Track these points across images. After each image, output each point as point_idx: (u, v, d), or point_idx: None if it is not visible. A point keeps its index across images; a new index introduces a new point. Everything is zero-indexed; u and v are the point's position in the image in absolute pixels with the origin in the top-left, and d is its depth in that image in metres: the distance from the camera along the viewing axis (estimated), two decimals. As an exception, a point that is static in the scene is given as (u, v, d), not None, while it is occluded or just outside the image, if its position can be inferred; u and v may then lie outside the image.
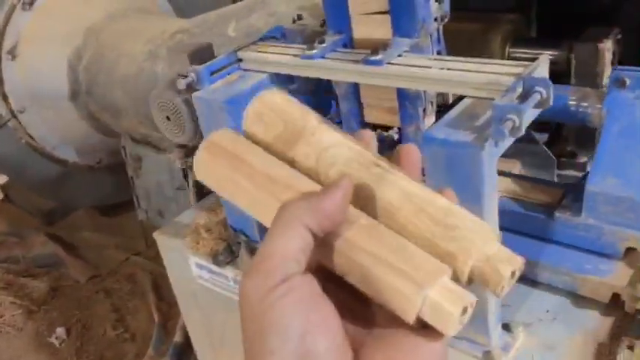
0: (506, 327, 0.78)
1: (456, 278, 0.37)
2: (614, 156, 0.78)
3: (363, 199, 0.41)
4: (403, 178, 0.41)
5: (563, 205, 0.83)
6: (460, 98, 0.72)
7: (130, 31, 1.74)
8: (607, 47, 0.90)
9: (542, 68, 0.68)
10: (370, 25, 0.85)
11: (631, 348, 0.71)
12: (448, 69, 0.72)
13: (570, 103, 0.85)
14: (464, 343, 0.77)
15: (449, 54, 0.85)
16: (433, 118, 0.90)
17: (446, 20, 0.83)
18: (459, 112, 0.68)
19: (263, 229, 0.41)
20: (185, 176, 1.55)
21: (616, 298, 0.77)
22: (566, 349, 0.76)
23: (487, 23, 1.04)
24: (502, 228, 0.83)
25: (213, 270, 1.08)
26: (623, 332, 0.75)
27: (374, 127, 0.98)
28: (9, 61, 1.83)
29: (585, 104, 0.84)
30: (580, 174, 0.91)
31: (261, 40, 0.95)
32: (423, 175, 0.47)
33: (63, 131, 1.95)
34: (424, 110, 0.88)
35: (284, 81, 0.92)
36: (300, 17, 1.11)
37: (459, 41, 0.89)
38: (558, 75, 0.89)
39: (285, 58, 0.86)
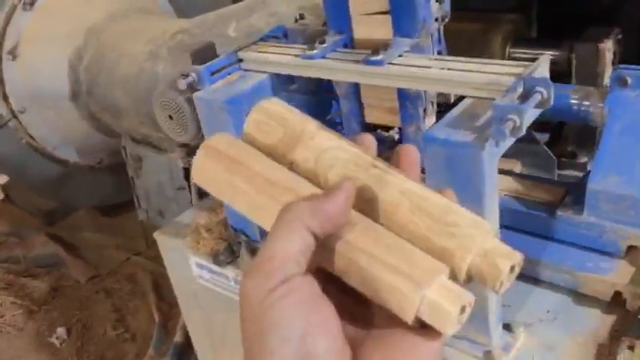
0: (506, 327, 0.78)
1: (454, 276, 0.38)
2: (615, 154, 0.78)
3: (362, 201, 0.41)
4: (401, 178, 0.41)
5: (565, 204, 0.83)
6: (462, 97, 0.72)
7: (131, 31, 1.74)
8: (608, 47, 0.90)
9: (542, 68, 0.68)
10: (371, 26, 0.85)
11: (631, 348, 0.71)
12: (449, 69, 0.72)
13: (572, 102, 0.85)
14: (464, 343, 0.77)
15: (449, 54, 0.85)
16: (434, 119, 0.90)
17: (446, 20, 0.83)
18: (460, 112, 0.68)
19: (263, 230, 0.41)
20: (186, 176, 1.55)
21: (617, 296, 0.77)
22: (567, 349, 0.76)
23: (488, 23, 1.04)
24: (504, 226, 0.84)
25: (214, 270, 1.08)
26: (623, 332, 0.75)
27: (374, 127, 0.98)
28: (10, 62, 1.83)
29: (587, 103, 0.84)
30: (580, 174, 0.91)
31: (261, 40, 0.95)
32: (423, 172, 0.47)
33: (63, 131, 1.95)
34: (425, 110, 0.88)
35: (284, 81, 0.92)
36: (302, 17, 1.11)
37: (459, 41, 0.89)
38: (559, 75, 0.89)
39: (286, 58, 0.87)
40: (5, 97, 1.86)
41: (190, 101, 1.01)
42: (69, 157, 2.03)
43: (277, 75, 0.90)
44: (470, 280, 0.38)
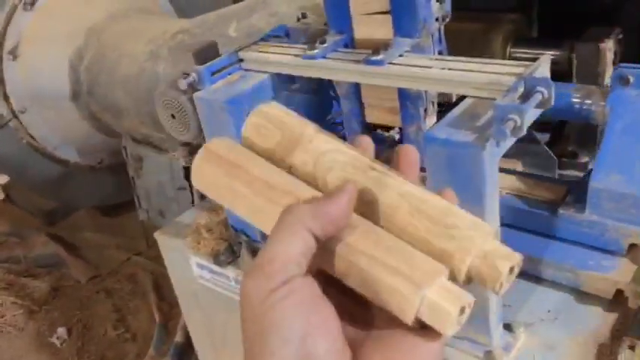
0: (507, 327, 0.78)
1: (453, 277, 0.38)
2: (617, 153, 0.79)
3: (362, 203, 0.41)
4: (400, 180, 0.42)
5: (567, 202, 0.83)
6: (464, 96, 0.72)
7: (132, 31, 1.74)
8: (608, 47, 0.90)
9: (543, 68, 0.68)
10: (371, 25, 0.85)
11: (632, 348, 0.71)
12: (449, 69, 0.72)
13: (574, 100, 0.85)
14: (465, 343, 0.77)
15: (450, 54, 0.85)
16: (434, 119, 0.90)
17: (447, 20, 0.83)
18: (461, 112, 0.68)
19: (264, 231, 0.41)
20: (186, 176, 1.55)
21: (619, 294, 0.77)
22: (568, 349, 0.76)
23: (488, 23, 1.04)
24: (506, 225, 0.84)
25: (215, 270, 1.08)
26: (624, 332, 0.75)
27: (375, 127, 0.98)
28: (10, 62, 1.83)
29: (589, 102, 0.84)
30: (581, 174, 0.91)
31: (262, 40, 0.95)
32: (423, 171, 0.47)
33: (64, 131, 1.95)
34: (425, 110, 0.88)
35: (285, 81, 0.92)
36: (304, 16, 1.11)
37: (460, 41, 0.89)
38: (560, 75, 0.88)
39: (287, 58, 0.87)
40: (6, 97, 1.86)
41: (193, 100, 1.01)
42: (69, 157, 2.03)
43: (278, 75, 0.90)
44: (470, 282, 0.38)
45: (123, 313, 2.09)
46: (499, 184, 0.88)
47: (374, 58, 0.77)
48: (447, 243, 0.38)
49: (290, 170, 0.44)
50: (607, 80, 0.91)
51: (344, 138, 1.00)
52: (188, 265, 1.12)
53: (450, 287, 0.36)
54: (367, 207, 0.41)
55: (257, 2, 1.51)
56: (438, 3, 0.81)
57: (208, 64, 0.89)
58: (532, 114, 0.63)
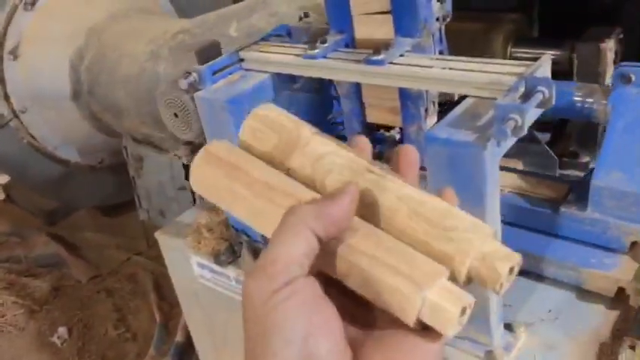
0: (508, 327, 0.78)
1: (453, 278, 0.38)
2: (619, 151, 0.79)
3: (362, 206, 0.41)
4: (398, 182, 0.41)
5: (569, 200, 0.84)
6: (465, 95, 0.72)
7: (132, 31, 1.74)
8: (609, 47, 0.90)
9: (544, 68, 0.68)
10: (372, 25, 0.85)
11: (633, 348, 0.71)
12: (450, 69, 0.72)
13: (575, 99, 0.85)
14: (466, 343, 0.77)
15: (451, 54, 0.85)
16: (435, 118, 0.90)
17: (448, 20, 0.83)
18: (461, 112, 0.68)
19: (265, 230, 0.41)
20: (187, 176, 1.55)
21: (621, 292, 0.77)
22: (568, 348, 0.76)
23: (489, 23, 1.04)
24: (508, 223, 0.84)
25: (215, 270, 1.08)
26: (625, 332, 0.75)
27: (376, 127, 0.98)
28: (11, 61, 1.83)
29: (591, 100, 0.84)
30: (582, 174, 0.91)
31: (263, 39, 0.95)
32: (424, 170, 0.47)
33: (65, 131, 1.96)
34: (426, 110, 0.88)
35: (286, 81, 0.92)
36: (306, 15, 1.12)
37: (460, 41, 0.89)
38: (560, 75, 0.88)
39: (287, 58, 0.86)
40: (6, 97, 1.86)
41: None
42: (70, 156, 2.03)
43: (278, 75, 0.90)
44: (470, 282, 0.39)
45: (123, 313, 2.09)
46: (501, 183, 0.89)
47: (375, 57, 0.77)
48: (446, 245, 0.38)
49: (288, 173, 0.44)
50: (608, 80, 0.91)
51: (344, 138, 1.00)
52: (189, 265, 1.12)
53: (450, 288, 0.36)
54: (366, 210, 0.41)
55: (257, 2, 1.51)
56: (438, 3, 0.81)
57: (209, 63, 0.89)
58: (533, 114, 0.63)
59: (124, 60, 1.63)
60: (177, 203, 1.66)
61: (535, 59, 0.68)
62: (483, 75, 0.69)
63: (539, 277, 0.85)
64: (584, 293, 0.81)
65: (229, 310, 1.12)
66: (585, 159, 0.95)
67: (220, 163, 0.44)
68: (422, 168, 0.48)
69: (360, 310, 0.39)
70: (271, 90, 0.90)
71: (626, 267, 0.78)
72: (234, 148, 0.46)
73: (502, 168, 0.90)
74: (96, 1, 1.88)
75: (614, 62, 0.92)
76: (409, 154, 0.45)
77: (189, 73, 0.89)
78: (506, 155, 0.68)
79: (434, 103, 0.88)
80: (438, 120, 0.79)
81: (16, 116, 1.89)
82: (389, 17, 0.83)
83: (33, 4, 1.83)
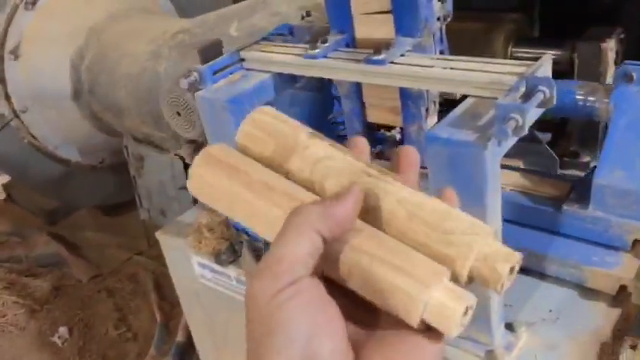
0: (509, 326, 0.78)
1: (454, 279, 0.38)
2: (621, 149, 0.79)
3: (362, 209, 0.41)
4: (396, 184, 0.41)
5: (571, 199, 0.84)
6: (466, 95, 0.72)
7: (132, 31, 1.74)
8: (610, 47, 0.90)
9: (545, 68, 0.68)
10: (372, 25, 0.85)
11: (634, 347, 0.71)
12: (451, 68, 0.72)
13: (578, 97, 0.85)
14: (467, 343, 0.77)
15: (451, 53, 0.85)
16: (435, 118, 0.90)
17: (449, 20, 0.83)
18: (462, 112, 0.68)
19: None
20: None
21: (623, 290, 0.77)
22: (569, 348, 0.76)
23: (490, 23, 1.04)
24: (511, 221, 0.85)
25: (216, 269, 1.08)
26: (626, 331, 0.75)
27: (376, 126, 0.98)
28: (11, 61, 1.83)
29: (593, 98, 0.85)
30: (583, 174, 0.92)
31: (264, 39, 0.95)
32: (424, 168, 0.47)
33: (65, 131, 1.96)
34: (427, 110, 0.88)
35: (287, 80, 0.92)
36: (308, 14, 1.12)
37: (461, 41, 0.89)
38: (561, 74, 0.89)
39: (288, 58, 0.86)
40: (7, 97, 1.86)
41: (199, 97, 1.01)
42: (71, 156, 2.03)
43: (279, 74, 0.90)
44: (471, 282, 0.39)
45: (124, 313, 2.09)
46: (503, 181, 0.89)
47: (375, 57, 0.77)
48: (446, 249, 0.38)
49: (287, 177, 0.44)
50: (609, 80, 0.91)
51: (345, 138, 1.00)
52: (189, 265, 1.12)
53: (453, 288, 0.36)
54: (365, 213, 0.41)
55: (258, 2, 1.51)
56: (439, 2, 0.81)
57: (210, 63, 0.89)
58: (534, 113, 0.63)
59: (125, 60, 1.63)
60: (178, 203, 1.66)
61: (536, 59, 0.68)
62: (484, 75, 0.69)
63: (541, 276, 0.85)
64: (586, 293, 0.81)
65: (230, 310, 1.12)
66: (586, 159, 0.95)
67: (221, 164, 0.44)
68: (422, 167, 0.48)
69: (361, 312, 0.39)
70: (272, 90, 0.90)
71: (628, 265, 0.78)
72: (233, 151, 0.46)
73: (504, 166, 0.90)
74: (96, 0, 1.88)
75: (615, 62, 0.92)
76: (409, 154, 0.45)
77: (190, 73, 0.89)
78: (507, 155, 0.68)
79: (434, 102, 0.88)
80: (439, 120, 0.79)
81: (17, 116, 1.89)
82: (389, 17, 0.83)
83: (34, 3, 1.83)
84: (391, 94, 0.89)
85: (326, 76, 0.84)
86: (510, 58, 1.02)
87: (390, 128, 0.99)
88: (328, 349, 0.35)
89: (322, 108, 1.03)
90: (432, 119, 0.89)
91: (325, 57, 0.83)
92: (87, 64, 1.77)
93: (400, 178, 0.43)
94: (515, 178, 0.91)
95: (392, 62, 0.77)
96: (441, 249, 0.38)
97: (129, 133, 1.75)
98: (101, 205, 2.34)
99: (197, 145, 1.26)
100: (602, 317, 0.79)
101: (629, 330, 0.75)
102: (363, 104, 0.95)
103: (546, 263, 0.83)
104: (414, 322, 0.36)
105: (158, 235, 1.18)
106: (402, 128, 0.94)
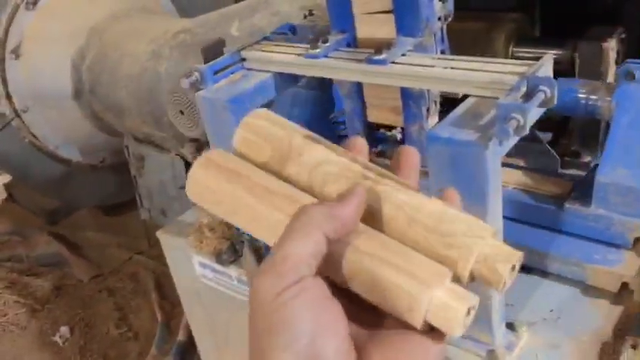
0: (510, 326, 0.78)
1: (456, 279, 0.38)
2: (624, 147, 0.79)
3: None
4: (394, 187, 0.41)
5: (573, 197, 0.84)
6: (467, 95, 0.72)
7: (133, 30, 1.74)
8: (611, 46, 0.90)
9: (546, 67, 0.68)
10: (374, 25, 0.85)
11: (635, 347, 0.71)
12: (452, 68, 0.72)
13: (580, 96, 0.85)
14: (468, 342, 0.77)
15: (452, 53, 0.85)
16: (436, 118, 0.90)
17: (450, 19, 0.83)
18: (463, 111, 0.68)
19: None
20: (188, 175, 1.55)
21: (624, 288, 0.77)
22: (570, 348, 0.76)
23: (491, 22, 1.04)
24: (513, 219, 0.85)
25: (217, 269, 1.08)
26: (627, 331, 0.75)
27: (377, 126, 0.98)
28: (12, 61, 1.84)
29: (595, 97, 0.85)
30: (584, 173, 0.92)
31: (265, 38, 0.95)
32: (422, 165, 0.47)
33: (66, 131, 1.96)
34: (428, 109, 0.88)
35: (288, 80, 0.92)
36: (311, 13, 1.12)
37: (462, 40, 0.89)
38: (562, 74, 0.88)
39: (289, 58, 0.86)
40: (8, 96, 1.86)
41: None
42: (71, 156, 2.03)
43: (280, 74, 0.90)
44: (473, 281, 0.39)
45: (125, 312, 2.09)
46: (505, 179, 0.89)
47: (376, 57, 0.77)
48: (446, 252, 0.38)
49: (287, 181, 0.44)
50: (610, 79, 0.91)
51: (346, 137, 1.00)
52: (190, 264, 1.13)
53: (455, 288, 0.36)
54: (364, 217, 0.41)
55: (259, 2, 1.51)
56: (440, 2, 0.81)
57: (211, 63, 0.89)
58: (535, 113, 0.63)
59: (126, 59, 1.63)
60: (178, 202, 1.67)
61: (537, 59, 0.68)
62: (485, 74, 0.69)
63: (542, 275, 0.85)
64: (587, 292, 0.82)
65: (231, 310, 1.12)
66: (587, 158, 0.95)
67: (220, 168, 0.44)
68: (422, 166, 0.48)
69: (362, 314, 0.39)
70: (273, 89, 0.90)
71: (630, 263, 0.78)
72: (232, 156, 0.46)
73: (506, 165, 0.90)
74: (97, 0, 1.88)
75: (617, 62, 0.92)
76: (409, 155, 0.45)
77: (191, 73, 0.89)
78: (508, 155, 0.68)
79: (436, 102, 0.88)
80: (440, 119, 0.79)
81: (18, 115, 1.89)
82: (391, 17, 0.83)
83: (34, 3, 1.83)
84: (392, 93, 0.89)
85: (327, 75, 0.84)
86: (511, 58, 1.02)
87: (391, 128, 0.99)
88: (332, 348, 0.35)
89: (324, 107, 1.03)
90: (433, 119, 0.89)
91: (326, 57, 0.83)
92: (88, 63, 1.77)
93: (400, 178, 0.43)
94: (518, 176, 0.91)
95: (393, 62, 0.77)
96: (442, 252, 0.38)
97: (129, 133, 1.75)
98: (102, 204, 2.34)
99: (200, 144, 1.26)
100: (603, 317, 0.79)
101: (630, 330, 0.75)
102: (364, 104, 0.95)
103: (548, 261, 0.83)
104: (417, 323, 0.36)
105: (159, 234, 1.18)
106: (403, 128, 0.93)
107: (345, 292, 0.39)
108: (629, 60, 0.82)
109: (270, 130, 0.46)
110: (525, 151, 0.90)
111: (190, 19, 1.65)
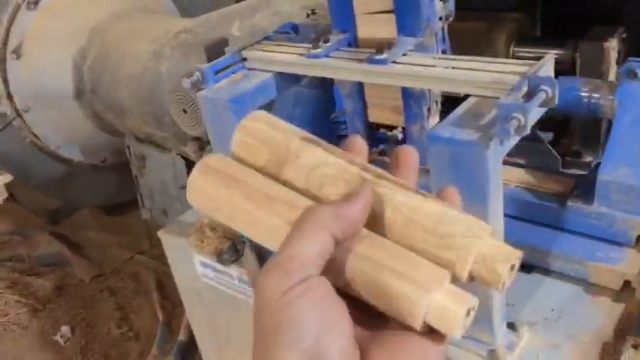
0: (511, 326, 0.78)
1: (454, 281, 0.38)
2: (626, 145, 0.80)
3: None
4: (392, 188, 0.41)
5: (576, 195, 0.84)
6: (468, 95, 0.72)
7: (135, 30, 1.75)
8: (612, 46, 0.90)
9: (547, 67, 0.68)
10: (375, 25, 0.85)
11: (636, 347, 0.71)
12: (453, 68, 0.72)
13: (582, 94, 0.85)
14: (469, 342, 0.77)
15: (453, 53, 0.85)
16: (437, 118, 0.90)
17: (450, 19, 0.83)
18: (464, 111, 0.68)
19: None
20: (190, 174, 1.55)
21: (627, 286, 0.78)
22: (571, 347, 0.76)
23: (492, 22, 1.04)
24: (515, 217, 0.85)
25: (218, 269, 1.08)
26: (628, 331, 0.75)
27: (378, 126, 0.98)
28: (14, 61, 1.84)
29: (597, 95, 0.85)
30: (585, 173, 0.92)
31: (266, 38, 0.95)
32: (423, 164, 0.47)
33: (67, 130, 1.96)
34: (429, 109, 0.88)
35: (289, 80, 0.92)
36: (313, 12, 1.12)
37: (463, 40, 0.89)
38: (563, 74, 0.89)
39: (290, 57, 0.87)
40: (9, 96, 1.87)
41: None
42: (73, 156, 2.04)
43: (281, 74, 0.90)
44: (472, 280, 0.39)
45: (126, 312, 2.09)
46: (507, 177, 0.89)
47: (377, 57, 0.77)
48: (445, 253, 0.38)
49: (285, 185, 0.44)
50: (611, 79, 0.91)
51: (347, 137, 1.00)
52: (191, 264, 1.13)
53: (454, 290, 0.37)
54: (368, 217, 0.41)
55: (260, 1, 1.52)
56: (441, 2, 0.81)
57: (212, 62, 0.89)
58: (536, 113, 0.63)
59: (127, 59, 1.63)
60: (179, 202, 1.67)
61: (538, 58, 0.68)
62: (486, 74, 0.69)
63: (543, 273, 0.85)
64: (588, 291, 0.82)
65: (232, 309, 1.12)
66: (588, 158, 0.95)
67: (219, 174, 0.44)
68: (422, 165, 0.48)
69: (364, 316, 0.40)
70: (274, 89, 0.90)
71: (632, 260, 0.78)
72: (231, 161, 0.46)
73: (509, 163, 0.90)
74: (99, 0, 1.88)
75: (618, 62, 0.92)
76: (408, 154, 0.45)
77: (193, 72, 0.89)
78: (509, 154, 0.68)
79: (436, 102, 0.88)
80: (441, 119, 0.79)
81: (19, 115, 1.90)
82: (392, 16, 0.83)
83: (36, 3, 1.84)
84: (393, 93, 0.89)
85: (328, 75, 0.84)
86: (512, 58, 1.02)
87: (391, 128, 0.99)
88: (338, 347, 0.35)
89: (325, 106, 1.03)
90: (434, 119, 0.89)
91: (327, 56, 0.83)
92: (89, 63, 1.77)
93: (398, 179, 0.43)
94: (520, 175, 0.91)
95: (394, 62, 0.77)
96: (440, 253, 0.38)
97: (131, 133, 1.75)
98: (103, 204, 2.34)
99: (202, 143, 1.26)
100: (604, 316, 0.79)
101: (631, 329, 0.75)
102: (365, 104, 0.95)
103: (550, 259, 0.83)
104: (417, 325, 0.36)
105: (160, 234, 1.18)
106: (404, 128, 0.94)
107: (346, 293, 0.39)
108: (631, 58, 0.82)
109: (268, 133, 0.46)
110: (526, 150, 0.90)
111: (191, 18, 1.65)
